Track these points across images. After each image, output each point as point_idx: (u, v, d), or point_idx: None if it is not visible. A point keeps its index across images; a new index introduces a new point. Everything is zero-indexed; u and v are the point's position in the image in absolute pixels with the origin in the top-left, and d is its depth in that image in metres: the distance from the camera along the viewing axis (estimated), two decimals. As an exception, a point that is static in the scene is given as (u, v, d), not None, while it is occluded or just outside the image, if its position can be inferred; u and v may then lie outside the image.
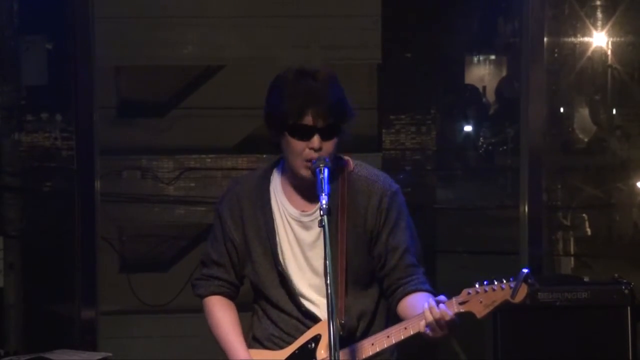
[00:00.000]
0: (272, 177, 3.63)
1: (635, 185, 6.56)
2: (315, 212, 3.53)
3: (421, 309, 3.44)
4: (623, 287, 5.15)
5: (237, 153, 6.55)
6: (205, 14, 6.42)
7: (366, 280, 3.61)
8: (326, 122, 3.44)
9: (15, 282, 6.30)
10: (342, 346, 3.47)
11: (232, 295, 3.72)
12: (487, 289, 3.39)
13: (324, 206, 3.27)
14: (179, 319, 6.44)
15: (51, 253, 6.27)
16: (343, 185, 3.56)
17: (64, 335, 6.12)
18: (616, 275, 5.30)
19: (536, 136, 6.21)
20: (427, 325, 3.39)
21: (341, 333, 3.47)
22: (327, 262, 3.20)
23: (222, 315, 3.68)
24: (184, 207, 6.56)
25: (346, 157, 3.64)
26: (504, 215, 6.57)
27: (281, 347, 3.60)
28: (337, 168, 3.57)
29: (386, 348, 3.48)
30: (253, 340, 3.68)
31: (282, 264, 3.57)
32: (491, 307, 3.39)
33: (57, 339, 5.84)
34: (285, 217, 3.58)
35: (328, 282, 3.18)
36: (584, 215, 6.58)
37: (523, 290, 3.37)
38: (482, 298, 3.39)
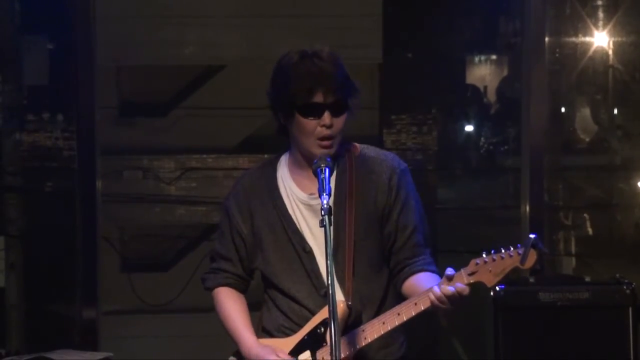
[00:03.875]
0: (278, 165, 3.65)
1: (636, 185, 6.55)
2: None
3: (427, 286, 3.45)
4: (624, 287, 5.14)
5: (238, 153, 6.55)
6: (206, 14, 6.42)
7: (377, 262, 3.61)
8: (335, 98, 3.48)
9: (16, 281, 6.31)
10: (350, 328, 3.51)
11: (241, 288, 3.72)
12: (495, 257, 3.40)
13: (325, 206, 3.24)
14: (179, 319, 6.44)
15: (52, 253, 6.27)
16: (350, 167, 3.58)
17: (65, 335, 6.13)
18: (617, 275, 5.29)
19: (537, 136, 6.21)
20: (435, 301, 3.39)
21: (349, 316, 3.50)
22: (329, 261, 3.19)
23: (231, 305, 3.69)
24: (185, 207, 6.56)
25: (352, 143, 3.65)
26: (506, 215, 6.56)
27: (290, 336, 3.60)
28: (344, 151, 3.60)
29: (397, 326, 3.47)
30: (262, 332, 3.68)
31: (307, 242, 3.56)
32: (501, 275, 3.40)
33: (58, 338, 5.84)
34: (295, 201, 3.58)
35: (329, 282, 3.16)
36: (585, 215, 6.57)
37: (532, 256, 3.37)
38: (490, 267, 3.39)
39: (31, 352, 4.91)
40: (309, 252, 3.55)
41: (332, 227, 3.41)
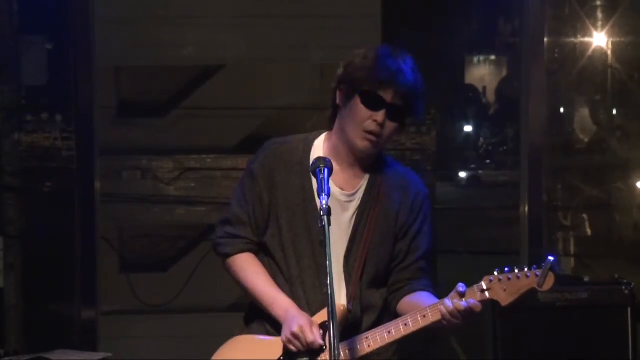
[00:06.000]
0: (313, 147, 3.58)
1: (635, 186, 6.56)
2: (354, 194, 3.53)
3: (428, 303, 3.44)
4: (623, 288, 5.14)
5: (237, 153, 6.54)
6: (205, 14, 6.42)
7: (383, 274, 3.58)
8: (400, 104, 3.46)
9: (15, 282, 6.30)
10: (349, 334, 3.47)
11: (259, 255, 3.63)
12: (510, 276, 3.37)
13: (325, 207, 3.20)
14: (179, 319, 6.44)
15: (51, 253, 6.27)
16: (382, 176, 3.56)
17: (64, 336, 6.12)
18: (616, 275, 5.29)
19: (536, 136, 6.20)
20: (447, 315, 3.37)
21: (347, 320, 3.47)
22: (328, 262, 3.15)
23: (259, 267, 3.57)
24: (184, 208, 6.56)
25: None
26: (505, 216, 6.56)
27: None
28: (380, 159, 3.58)
29: (404, 336, 3.43)
30: (257, 320, 3.59)
31: (326, 235, 3.41)
32: (516, 296, 3.38)
33: (57, 339, 5.83)
34: None
35: (329, 282, 3.13)
36: (584, 215, 6.57)
37: (551, 279, 3.37)
38: (505, 286, 3.37)
39: (30, 352, 4.89)
40: (322, 244, 3.38)
41: (351, 228, 3.45)
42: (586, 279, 5.30)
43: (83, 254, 6.15)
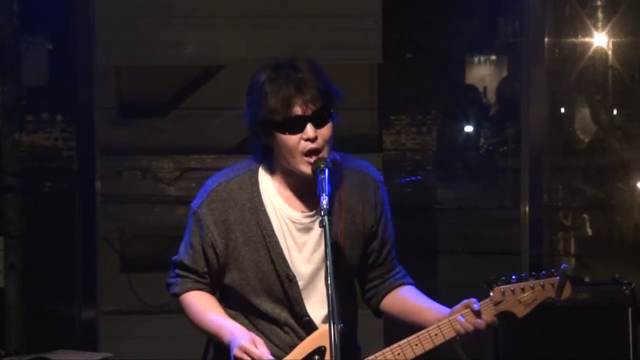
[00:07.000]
0: (259, 178, 3.42)
1: (635, 186, 6.56)
2: (317, 213, 3.37)
3: (419, 303, 3.40)
4: (624, 288, 5.15)
5: (238, 153, 6.54)
6: (205, 14, 6.42)
7: (353, 277, 3.50)
8: (316, 108, 3.27)
9: (15, 282, 6.30)
10: (343, 349, 3.33)
11: (211, 292, 3.52)
12: (522, 286, 3.33)
13: (325, 207, 3.15)
14: (179, 319, 6.37)
15: (52, 253, 6.27)
16: (339, 182, 3.41)
17: (64, 336, 6.12)
18: (617, 275, 5.30)
19: (537, 136, 6.21)
20: (463, 333, 3.32)
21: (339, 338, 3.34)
22: (328, 262, 3.11)
23: (203, 302, 3.48)
24: (184, 208, 6.52)
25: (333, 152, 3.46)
26: (505, 216, 6.56)
27: None
28: (333, 164, 3.40)
29: (415, 357, 3.34)
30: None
31: (292, 269, 3.37)
32: (533, 306, 3.35)
33: (58, 339, 5.84)
34: (284, 220, 3.38)
35: (329, 282, 3.09)
36: (584, 215, 6.57)
37: (568, 288, 3.34)
38: (520, 297, 3.33)
39: (31, 352, 4.90)
40: (292, 281, 3.37)
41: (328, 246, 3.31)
42: (587, 279, 5.30)
43: (83, 254, 6.15)
